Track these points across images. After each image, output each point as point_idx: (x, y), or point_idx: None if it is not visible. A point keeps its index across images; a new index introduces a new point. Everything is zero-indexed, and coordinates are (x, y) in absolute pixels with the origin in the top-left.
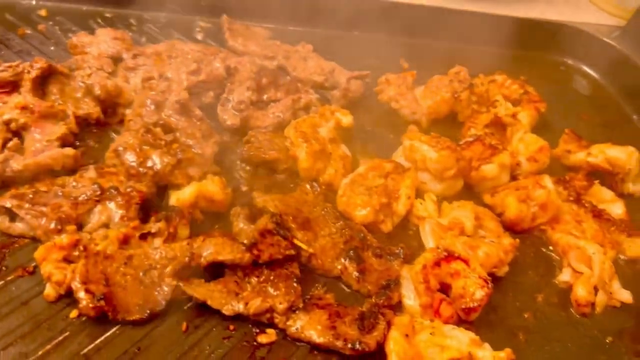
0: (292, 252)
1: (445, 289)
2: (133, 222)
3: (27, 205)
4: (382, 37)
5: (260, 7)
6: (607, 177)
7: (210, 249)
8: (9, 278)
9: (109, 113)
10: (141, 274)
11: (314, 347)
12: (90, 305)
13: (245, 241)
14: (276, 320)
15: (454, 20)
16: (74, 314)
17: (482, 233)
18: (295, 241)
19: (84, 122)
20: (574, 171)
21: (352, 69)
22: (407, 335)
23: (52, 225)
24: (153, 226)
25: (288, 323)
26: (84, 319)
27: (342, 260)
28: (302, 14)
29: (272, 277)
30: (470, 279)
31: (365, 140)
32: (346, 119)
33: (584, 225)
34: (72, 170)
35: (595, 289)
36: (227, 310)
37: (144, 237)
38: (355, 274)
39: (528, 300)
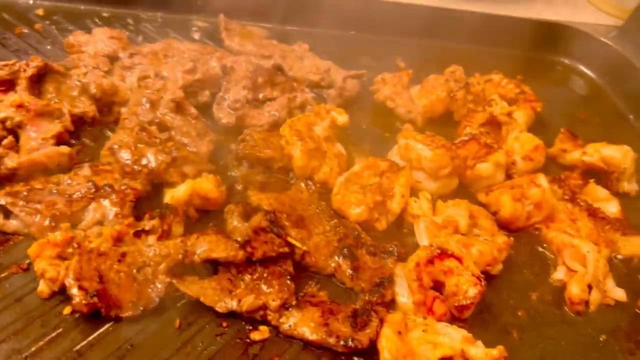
0: (286, 249)
1: (438, 286)
2: (127, 220)
3: (21, 203)
4: (378, 36)
5: (257, 6)
6: (603, 176)
7: (204, 247)
8: (3, 275)
9: (105, 112)
10: (135, 271)
11: (307, 344)
12: (84, 301)
13: (239, 239)
14: (269, 318)
15: (451, 20)
16: (67, 310)
17: (477, 231)
18: (289, 239)
19: (79, 121)
20: (570, 170)
21: (348, 69)
22: (399, 333)
23: (47, 223)
24: (147, 224)
25: (281, 320)
26: (77, 315)
27: (336, 258)
28: (299, 14)
29: (265, 275)
30: (463, 276)
31: (360, 139)
32: (341, 118)
33: (578, 224)
34: (67, 168)
35: (590, 287)
36: (220, 307)
37: (138, 234)
38: (349, 271)
39: (522, 299)
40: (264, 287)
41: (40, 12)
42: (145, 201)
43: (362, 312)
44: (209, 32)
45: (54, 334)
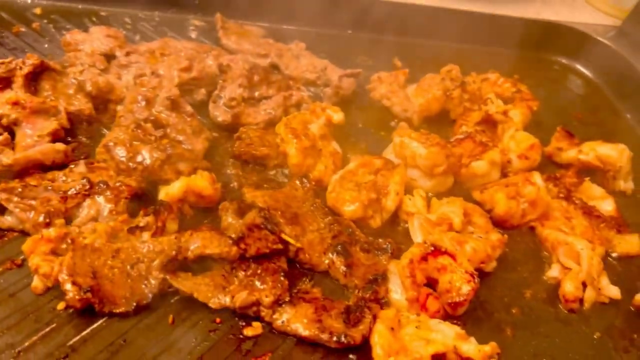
0: (280, 246)
1: (432, 283)
2: (121, 216)
3: (16, 199)
4: (375, 36)
5: (254, 5)
6: (599, 174)
7: (198, 243)
8: None
9: (101, 109)
10: (128, 267)
11: (300, 340)
12: (77, 297)
13: (233, 235)
14: (262, 314)
15: (448, 20)
16: (61, 306)
17: (471, 229)
18: (283, 236)
19: (75, 118)
20: (566, 169)
21: (345, 67)
22: (392, 329)
23: (41, 219)
24: (141, 220)
25: (274, 316)
26: (70, 311)
27: (330, 254)
28: (296, 13)
29: (259, 271)
30: (456, 273)
31: (356, 137)
32: (337, 116)
33: (573, 222)
34: (63, 166)
35: (584, 285)
36: (213, 303)
37: (132, 231)
38: (343, 268)
39: (516, 296)
40: (257, 284)
41: (37, 11)
42: (140, 198)
43: (355, 309)
44: (206, 31)
45: (47, 329)
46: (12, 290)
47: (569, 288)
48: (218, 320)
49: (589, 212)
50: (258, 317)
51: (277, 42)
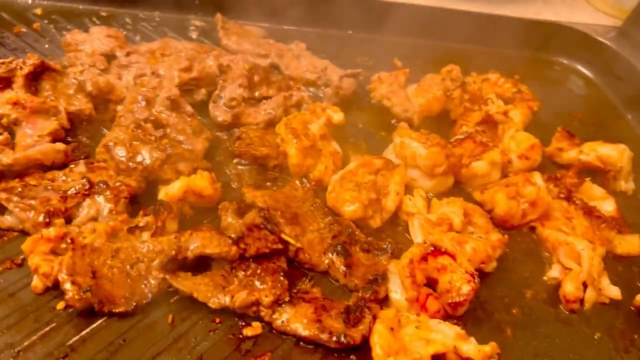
0: (280, 246)
1: (432, 283)
2: (121, 216)
3: (16, 199)
4: (375, 36)
5: (255, 6)
6: (599, 174)
7: (197, 243)
8: None
9: (101, 109)
10: (128, 266)
11: (300, 340)
12: (76, 297)
13: (232, 235)
14: (262, 314)
15: (449, 20)
16: (60, 305)
17: (471, 229)
18: (283, 235)
19: (76, 118)
20: (566, 169)
21: (345, 68)
22: (392, 329)
23: (41, 219)
24: (141, 220)
25: (274, 316)
26: (70, 310)
27: (330, 254)
28: (297, 13)
29: (259, 271)
30: (456, 273)
31: (357, 137)
32: (337, 116)
33: (574, 222)
34: (63, 165)
35: (585, 286)
36: (213, 303)
37: (132, 230)
38: (343, 268)
39: (517, 296)
40: (257, 284)
41: (38, 11)
42: (140, 198)
43: (355, 309)
44: (207, 32)
45: (47, 329)
46: (12, 289)
47: (569, 288)
48: (218, 320)
49: (590, 212)
50: (258, 317)
51: (278, 43)
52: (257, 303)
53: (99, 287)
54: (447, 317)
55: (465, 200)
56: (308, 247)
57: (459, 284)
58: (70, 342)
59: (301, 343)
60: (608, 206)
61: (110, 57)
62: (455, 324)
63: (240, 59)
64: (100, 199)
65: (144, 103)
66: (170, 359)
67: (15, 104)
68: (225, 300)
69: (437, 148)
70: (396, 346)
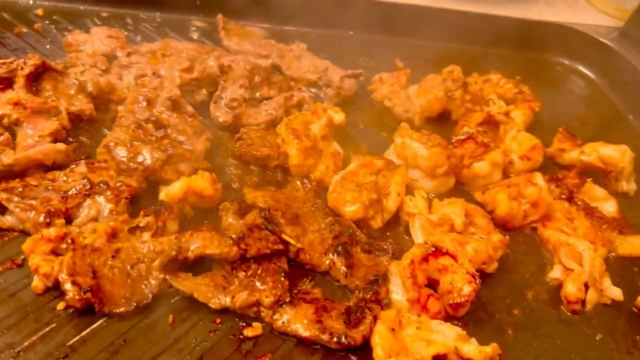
0: (280, 246)
1: (433, 284)
2: (122, 216)
3: (16, 199)
4: (376, 37)
5: (256, 7)
6: (601, 175)
7: (198, 243)
8: None
9: (102, 109)
10: (129, 267)
11: (300, 340)
12: (77, 297)
13: (233, 236)
14: (263, 314)
15: (450, 20)
16: (60, 306)
17: (472, 230)
18: (284, 236)
19: (76, 119)
20: (568, 170)
21: (346, 68)
22: (393, 330)
23: (41, 219)
24: (142, 220)
25: (274, 317)
26: (70, 311)
27: (331, 255)
28: (298, 14)
29: (259, 272)
30: (458, 274)
31: (358, 138)
32: (338, 117)
33: (575, 223)
34: (64, 166)
35: (586, 286)
36: (213, 303)
37: (132, 231)
38: (344, 269)
39: (518, 297)
40: (257, 284)
41: (39, 12)
42: (141, 198)
43: (355, 309)
44: (208, 32)
45: (47, 329)
46: (12, 290)
47: (571, 289)
48: (218, 320)
49: (591, 213)
50: (258, 318)
51: (279, 43)
52: (258, 303)
53: (100, 288)
54: (448, 317)
55: (466, 201)
56: (309, 248)
57: (460, 285)
58: (71, 342)
59: (302, 344)
60: (609, 207)
61: (111, 58)
62: (456, 324)
63: (241, 59)
64: (100, 199)
65: (144, 103)
66: (171, 359)
67: (16, 104)
68: (226, 300)
69: (438, 149)
70: (397, 347)
